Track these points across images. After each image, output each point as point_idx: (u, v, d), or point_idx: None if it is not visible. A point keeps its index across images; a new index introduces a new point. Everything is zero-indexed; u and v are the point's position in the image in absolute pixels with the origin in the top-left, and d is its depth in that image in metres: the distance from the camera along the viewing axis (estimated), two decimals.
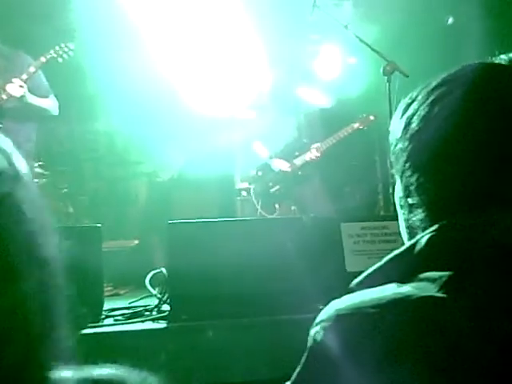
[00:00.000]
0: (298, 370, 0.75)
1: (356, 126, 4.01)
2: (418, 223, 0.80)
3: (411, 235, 0.83)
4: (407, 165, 0.79)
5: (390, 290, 0.70)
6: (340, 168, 4.42)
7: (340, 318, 0.70)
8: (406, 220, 0.84)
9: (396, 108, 0.88)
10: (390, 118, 3.07)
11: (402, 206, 0.85)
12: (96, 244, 2.10)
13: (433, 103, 0.77)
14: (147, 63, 4.70)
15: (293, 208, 4.30)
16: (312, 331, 0.73)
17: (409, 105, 0.82)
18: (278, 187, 4.01)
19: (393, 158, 0.84)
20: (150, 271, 2.34)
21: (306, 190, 3.91)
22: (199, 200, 5.03)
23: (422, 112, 0.78)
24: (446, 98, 0.76)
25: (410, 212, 0.82)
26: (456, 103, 0.75)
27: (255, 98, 4.41)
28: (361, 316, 0.68)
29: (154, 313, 2.09)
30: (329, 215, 3.33)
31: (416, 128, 0.78)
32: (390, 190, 5.57)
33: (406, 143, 0.79)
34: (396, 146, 0.82)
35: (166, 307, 2.12)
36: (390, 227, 2.24)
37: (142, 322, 1.99)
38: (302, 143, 3.96)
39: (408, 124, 0.80)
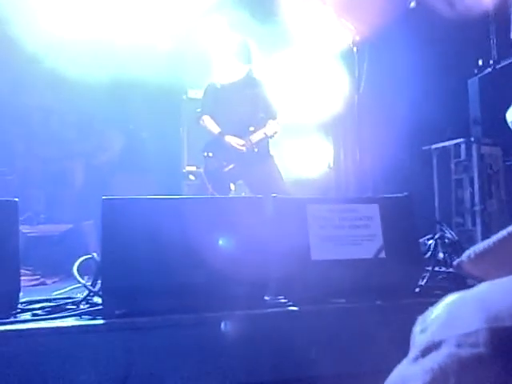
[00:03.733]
0: None
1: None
2: None
3: None
4: None
5: None
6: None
7: (502, 334, 0.32)
8: None
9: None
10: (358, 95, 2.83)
11: None
12: (11, 221, 1.72)
13: None
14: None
15: (244, 193, 4.00)
16: (416, 367, 0.34)
17: None
18: (232, 166, 3.66)
19: None
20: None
21: (263, 168, 3.59)
22: (141, 184, 4.66)
23: None
24: None
25: None
26: None
27: (205, 75, 4.07)
28: None
29: (82, 306, 1.72)
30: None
31: None
32: (342, 178, 5.40)
33: None
34: None
35: (97, 300, 1.77)
36: (360, 210, 1.96)
37: (66, 317, 1.62)
38: (259, 117, 3.63)
39: None
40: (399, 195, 2.13)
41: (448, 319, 0.35)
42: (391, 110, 4.48)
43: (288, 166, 4.36)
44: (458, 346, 0.33)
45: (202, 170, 3.87)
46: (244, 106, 3.64)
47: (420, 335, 0.36)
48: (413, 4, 4.52)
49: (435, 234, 2.22)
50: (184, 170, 4.72)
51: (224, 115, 3.69)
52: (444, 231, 2.27)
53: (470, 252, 0.42)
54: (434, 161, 4.92)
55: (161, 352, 1.57)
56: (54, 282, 2.89)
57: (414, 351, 0.35)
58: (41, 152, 4.68)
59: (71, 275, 2.11)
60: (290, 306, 1.82)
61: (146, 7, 4.51)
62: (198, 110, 3.91)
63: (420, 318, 0.37)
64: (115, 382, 1.59)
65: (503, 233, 0.42)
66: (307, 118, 4.25)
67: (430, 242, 2.17)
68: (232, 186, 3.68)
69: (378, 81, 3.79)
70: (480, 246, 0.42)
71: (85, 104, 4.59)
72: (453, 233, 2.27)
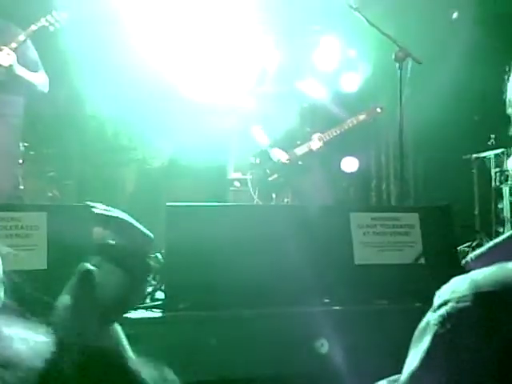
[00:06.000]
0: (417, 362, 0.62)
1: (362, 117, 3.88)
2: None
3: None
4: None
5: None
6: (337, 160, 4.30)
7: (480, 296, 0.57)
8: None
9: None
10: (401, 106, 2.96)
11: None
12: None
13: None
14: (139, 47, 4.54)
15: (286, 200, 4.16)
16: (435, 315, 0.61)
17: None
18: (275, 176, 3.86)
19: None
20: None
21: (306, 180, 3.77)
22: (190, 189, 4.89)
23: None
24: None
25: None
26: None
27: (255, 84, 4.27)
28: (508, 294, 0.57)
29: (148, 301, 1.93)
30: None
31: None
32: (383, 187, 5.50)
33: None
34: None
35: (160, 295, 1.97)
36: (401, 219, 2.11)
37: (135, 310, 1.83)
38: (305, 132, 3.81)
39: None
40: (439, 204, 2.26)
41: (451, 289, 0.60)
42: (432, 120, 4.56)
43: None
44: (457, 302, 0.58)
45: (248, 177, 4.08)
46: (291, 119, 3.83)
47: (435, 299, 0.62)
48: (455, 15, 4.62)
49: (473, 242, 2.33)
50: (229, 177, 4.93)
51: (273, 127, 3.89)
52: (482, 239, 2.38)
53: (472, 255, 0.63)
54: (475, 170, 4.97)
55: (221, 344, 1.76)
56: None
57: (432, 308, 0.62)
58: (95, 159, 4.97)
59: None
60: (334, 306, 1.98)
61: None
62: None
63: (437, 292, 0.59)
64: (179, 371, 1.78)
65: (496, 240, 0.61)
66: (347, 124, 4.38)
67: (468, 249, 2.29)
68: (273, 196, 3.87)
69: (419, 90, 3.90)
70: (480, 249, 0.62)
71: (136, 113, 4.85)
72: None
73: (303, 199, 3.64)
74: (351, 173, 4.67)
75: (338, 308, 1.94)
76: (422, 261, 2.07)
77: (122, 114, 4.81)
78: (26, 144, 4.00)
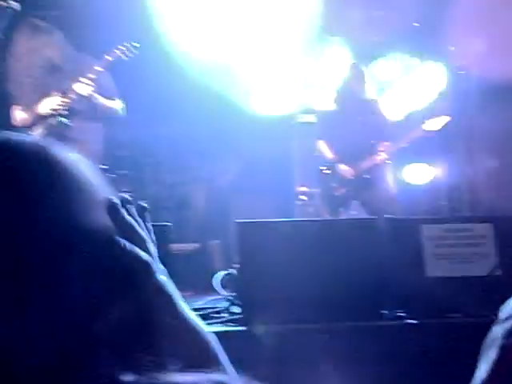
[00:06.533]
0: (486, 373, 0.65)
1: (429, 126, 3.78)
2: None
3: None
4: None
5: None
6: (406, 171, 4.23)
7: None
8: None
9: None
10: (469, 114, 2.91)
11: None
12: (166, 243, 2.06)
13: None
14: (207, 68, 4.69)
15: (353, 213, 4.16)
16: (502, 327, 0.65)
17: None
18: (343, 190, 3.87)
19: None
20: (212, 274, 2.28)
21: (374, 193, 3.75)
22: (257, 205, 4.98)
23: None
24: None
25: None
26: None
27: (319, 100, 4.32)
28: None
29: (224, 315, 2.01)
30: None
31: None
32: (455, 197, 5.35)
33: None
34: None
35: (235, 309, 2.05)
36: (475, 230, 2.08)
37: (212, 324, 1.92)
38: (370, 144, 3.80)
39: None
40: None
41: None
42: (504, 129, 4.41)
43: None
44: None
45: (314, 191, 4.12)
46: (356, 132, 3.83)
47: (500, 313, 0.65)
48: None
49: None
50: (296, 191, 4.98)
51: (338, 141, 3.91)
52: None
53: None
54: None
55: (296, 357, 1.81)
56: (189, 295, 3.24)
57: (499, 320, 0.65)
58: (167, 178, 5.18)
59: (204, 288, 2.43)
60: (408, 319, 1.98)
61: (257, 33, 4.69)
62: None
63: (502, 307, 0.62)
64: None
65: None
66: (414, 134, 4.32)
67: None
68: (341, 210, 3.87)
69: (489, 98, 3.80)
70: None
71: (204, 132, 5.01)
72: None
73: (372, 212, 3.63)
74: (420, 184, 4.60)
75: (412, 322, 1.94)
76: (499, 272, 2.03)
77: (190, 133, 4.98)
78: (104, 167, 4.24)
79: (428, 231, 2.06)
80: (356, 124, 3.82)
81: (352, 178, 3.83)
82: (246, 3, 4.34)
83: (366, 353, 1.89)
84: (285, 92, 4.77)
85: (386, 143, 3.81)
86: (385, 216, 2.13)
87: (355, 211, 4.19)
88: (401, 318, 2.00)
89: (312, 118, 4.51)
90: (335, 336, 1.89)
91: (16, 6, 2.98)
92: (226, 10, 4.36)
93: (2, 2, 2.95)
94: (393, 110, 4.09)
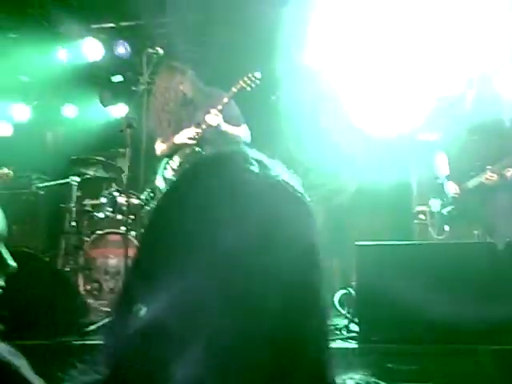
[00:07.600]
0: None
1: None
2: None
3: None
4: None
5: None
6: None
7: None
8: None
9: None
10: None
11: None
12: None
13: None
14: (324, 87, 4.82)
15: (476, 232, 4.04)
16: None
17: None
18: (449, 208, 3.81)
19: None
20: (331, 292, 2.42)
21: (487, 212, 3.63)
22: (374, 223, 5.01)
23: None
24: None
25: None
26: None
27: (437, 118, 4.27)
28: None
29: (344, 332, 2.15)
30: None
31: None
32: None
33: None
34: None
35: (353, 327, 2.18)
36: None
37: (333, 340, 2.07)
38: (477, 165, 3.69)
39: None
40: None
41: None
42: None
43: None
44: None
45: (430, 210, 4.10)
46: (464, 149, 3.75)
47: None
48: None
49: None
50: (414, 211, 4.94)
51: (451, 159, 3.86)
52: None
53: None
54: None
55: (409, 376, 1.89)
56: None
57: None
58: None
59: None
60: None
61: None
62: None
63: None
64: None
65: None
66: None
67: None
68: (446, 228, 3.80)
69: None
70: None
71: (321, 148, 5.12)
72: None
73: (487, 232, 3.52)
74: None
75: None
76: None
77: (310, 151, 5.11)
78: None
79: None
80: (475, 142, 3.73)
81: (456, 196, 3.75)
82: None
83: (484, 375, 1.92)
84: (406, 110, 4.74)
85: (493, 164, 3.65)
86: (501, 237, 2.14)
87: (463, 229, 4.06)
88: None
89: (435, 136, 4.46)
90: (450, 357, 1.94)
91: (161, 52, 3.40)
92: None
93: (150, 50, 3.39)
94: None
